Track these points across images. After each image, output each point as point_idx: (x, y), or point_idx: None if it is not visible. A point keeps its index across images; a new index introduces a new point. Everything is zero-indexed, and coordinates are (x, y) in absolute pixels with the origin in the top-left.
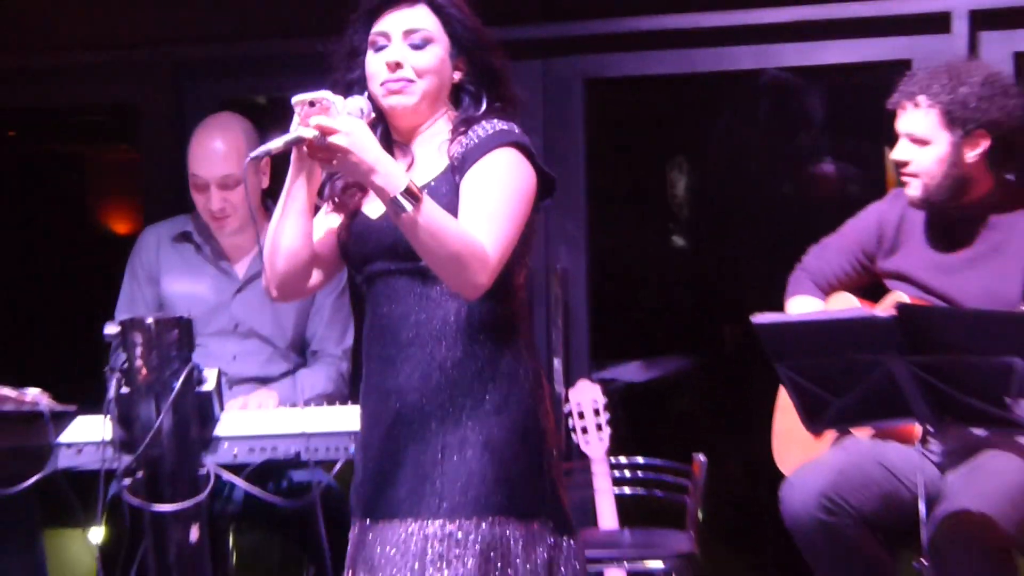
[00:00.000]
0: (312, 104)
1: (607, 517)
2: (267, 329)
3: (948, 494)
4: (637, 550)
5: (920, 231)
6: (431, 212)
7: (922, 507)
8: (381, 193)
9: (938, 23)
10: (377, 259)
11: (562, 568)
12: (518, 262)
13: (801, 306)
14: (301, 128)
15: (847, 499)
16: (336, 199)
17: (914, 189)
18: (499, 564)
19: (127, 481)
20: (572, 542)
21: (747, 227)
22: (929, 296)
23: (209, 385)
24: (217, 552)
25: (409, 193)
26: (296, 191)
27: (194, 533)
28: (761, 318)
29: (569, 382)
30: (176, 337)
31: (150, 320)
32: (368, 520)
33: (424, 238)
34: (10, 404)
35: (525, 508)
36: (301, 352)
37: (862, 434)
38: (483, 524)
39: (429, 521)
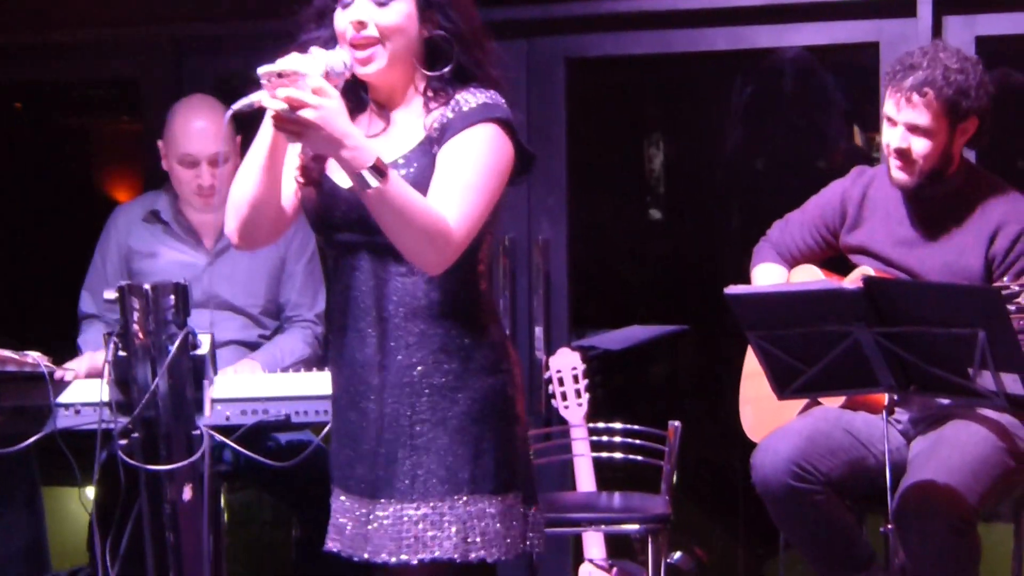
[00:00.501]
0: (280, 75)
1: (585, 481)
2: (240, 299)
3: (913, 464)
4: (614, 513)
5: (883, 207)
6: (397, 189)
7: (888, 475)
8: (347, 167)
9: (904, 7)
10: (345, 230)
11: (531, 537)
12: (483, 235)
13: (765, 274)
14: (268, 99)
15: (816, 466)
16: (307, 163)
17: (908, 174)
18: (478, 540)
19: (123, 442)
20: (537, 511)
21: (720, 201)
22: (892, 269)
23: (203, 349)
24: (209, 510)
25: (376, 169)
26: (266, 141)
27: (188, 492)
28: (733, 289)
29: (550, 350)
30: (172, 303)
31: (147, 286)
32: (346, 493)
33: (388, 215)
34: (11, 365)
35: (498, 483)
36: (275, 316)
37: (830, 402)
38: (458, 503)
39: (404, 504)
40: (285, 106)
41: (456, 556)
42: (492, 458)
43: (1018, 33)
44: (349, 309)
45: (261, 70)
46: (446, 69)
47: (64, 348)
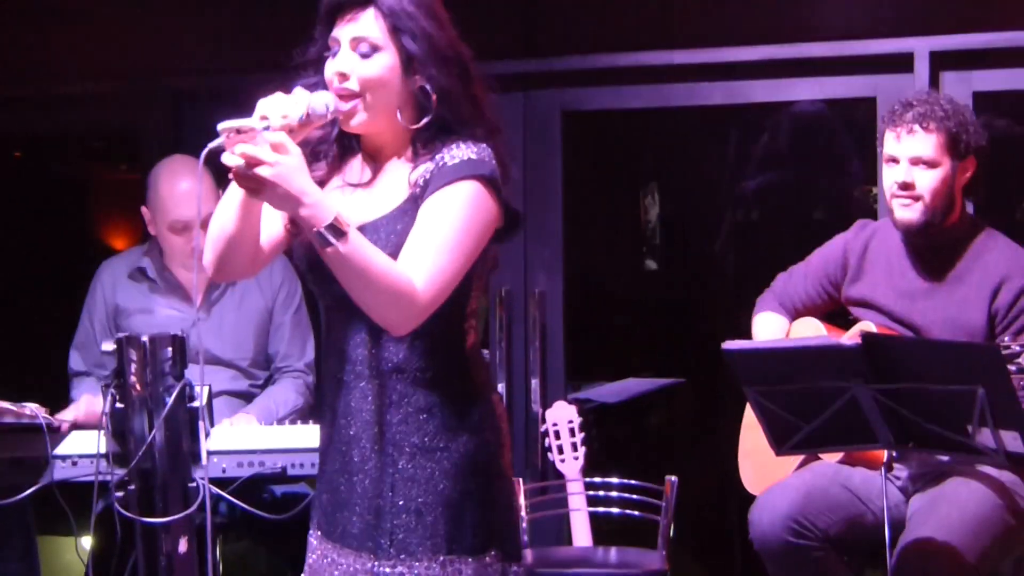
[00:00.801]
0: (239, 131)
1: (581, 535)
2: (228, 353)
3: (912, 521)
4: (611, 569)
5: (885, 259)
6: (357, 249)
7: (887, 532)
8: (305, 225)
9: (901, 63)
10: (333, 283)
11: None
12: (469, 293)
13: (766, 323)
14: (227, 156)
15: (814, 522)
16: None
17: (914, 212)
18: None
19: (120, 494)
20: (518, 567)
21: (716, 252)
22: (894, 323)
23: (200, 401)
24: (203, 563)
25: (335, 228)
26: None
27: (183, 544)
28: (731, 345)
29: (546, 403)
30: (169, 355)
31: (145, 338)
32: (326, 538)
33: (348, 274)
34: (9, 417)
35: (475, 544)
36: (264, 367)
37: (829, 457)
38: (434, 564)
39: (381, 561)
40: (242, 162)
41: None
42: (472, 518)
43: (1014, 89)
44: (339, 361)
45: (221, 126)
46: (423, 123)
47: (61, 400)
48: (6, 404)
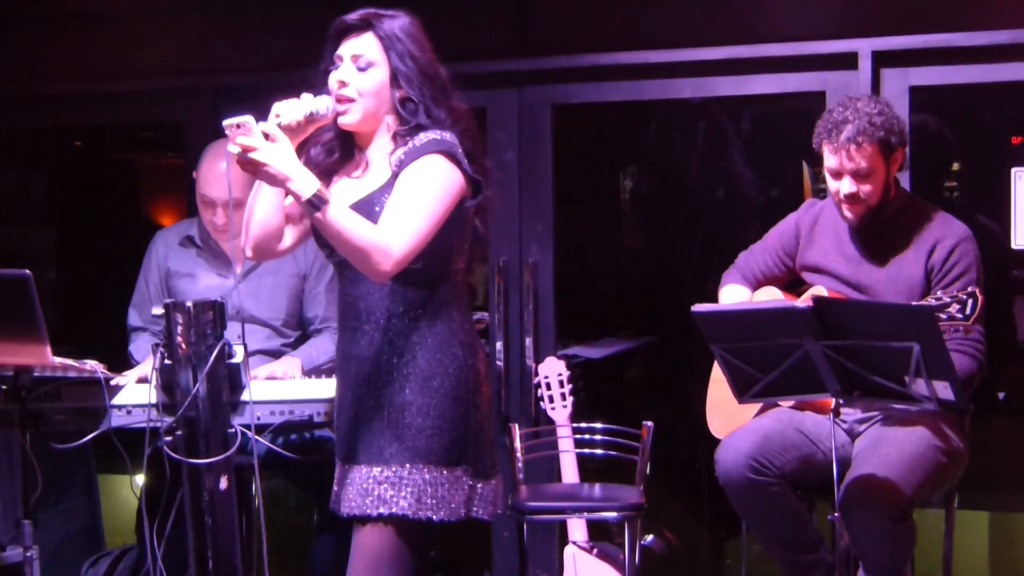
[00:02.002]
0: (238, 126)
1: (570, 473)
2: (264, 313)
3: (856, 460)
4: (595, 502)
5: (833, 230)
6: (337, 214)
7: (835, 469)
8: (296, 197)
9: (847, 61)
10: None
11: (476, 507)
12: (450, 251)
13: (731, 294)
14: (230, 146)
15: (771, 460)
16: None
17: (858, 212)
18: (429, 502)
19: (168, 438)
20: (489, 485)
21: (686, 227)
22: (843, 284)
23: (237, 358)
24: (242, 497)
25: (317, 198)
26: None
27: (223, 482)
28: (699, 308)
29: (538, 358)
30: (210, 318)
31: (189, 303)
32: (342, 463)
33: (332, 235)
34: (72, 372)
35: (449, 458)
36: (295, 328)
37: (784, 405)
38: (414, 470)
39: (374, 466)
40: (239, 150)
41: (408, 513)
42: (449, 438)
43: (947, 83)
44: (348, 311)
45: (225, 122)
46: (410, 126)
47: (116, 356)
48: (70, 361)
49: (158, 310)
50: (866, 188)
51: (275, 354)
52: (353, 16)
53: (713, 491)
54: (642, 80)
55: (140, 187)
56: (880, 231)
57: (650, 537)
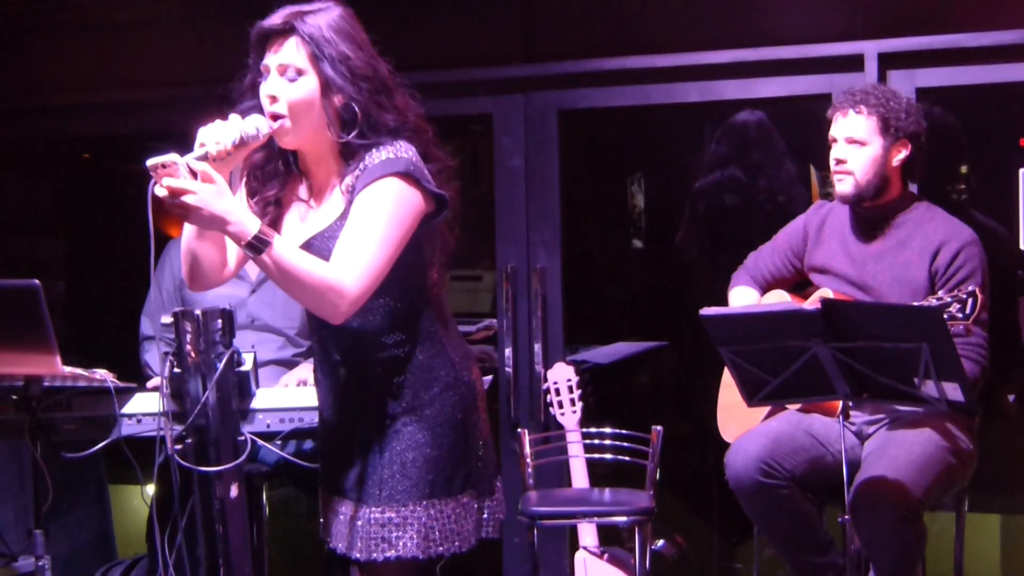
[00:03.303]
0: (164, 166)
1: (579, 479)
2: (279, 321)
3: (866, 462)
4: (605, 507)
5: (839, 232)
6: (283, 254)
7: (844, 471)
8: (235, 240)
9: (853, 63)
10: None
11: (485, 528)
12: (422, 267)
13: (740, 295)
14: (157, 188)
15: (781, 463)
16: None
17: (846, 185)
18: (437, 538)
19: (178, 446)
20: (494, 501)
21: (693, 232)
22: (848, 285)
23: (247, 366)
24: (252, 505)
25: (259, 239)
26: None
27: (234, 490)
28: (708, 311)
29: (547, 364)
30: (220, 326)
31: (198, 312)
32: (330, 494)
33: (278, 277)
34: (82, 381)
35: (453, 487)
36: (307, 336)
37: (793, 408)
38: (418, 508)
39: (372, 507)
40: (166, 193)
41: (419, 554)
42: (449, 466)
43: (953, 85)
44: (322, 346)
45: (148, 162)
46: (351, 136)
47: (126, 365)
48: (79, 370)
49: (167, 319)
50: (855, 157)
51: (288, 364)
52: (274, 20)
53: (723, 495)
54: (648, 84)
55: (148, 197)
56: (885, 229)
57: (661, 541)
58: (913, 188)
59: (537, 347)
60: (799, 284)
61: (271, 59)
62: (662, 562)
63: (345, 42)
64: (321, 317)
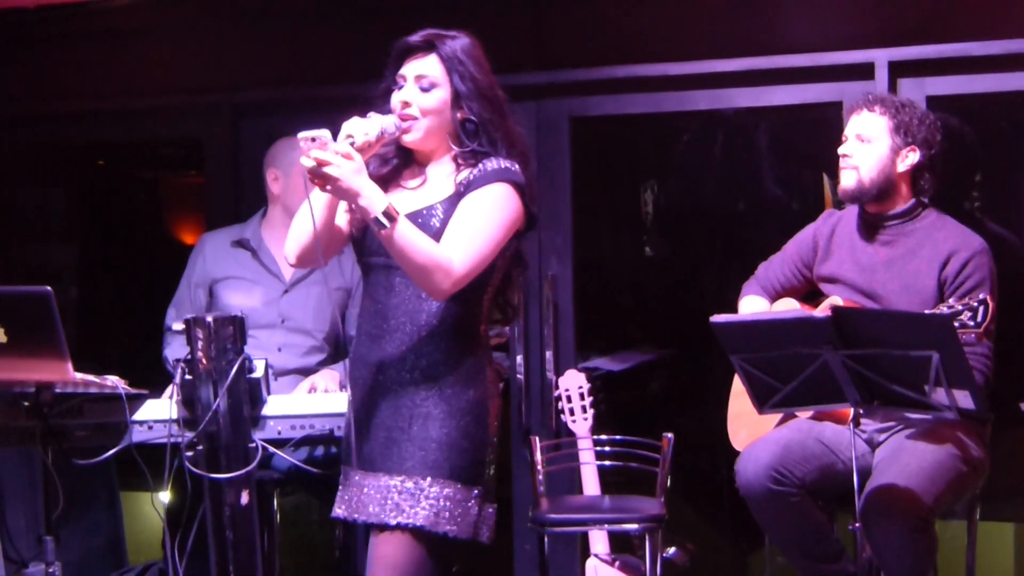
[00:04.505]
0: (313, 140)
1: (590, 486)
2: (310, 323)
3: (877, 469)
4: (616, 514)
5: (848, 241)
6: (404, 231)
7: (855, 479)
8: (365, 212)
9: (863, 71)
10: (379, 254)
11: (483, 530)
12: (490, 277)
13: (750, 305)
14: (303, 159)
15: (792, 471)
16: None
17: (849, 179)
18: (445, 517)
19: (189, 453)
20: (492, 510)
21: (706, 239)
22: (858, 294)
23: (258, 373)
24: (263, 512)
25: (387, 215)
26: None
27: (244, 497)
28: (718, 319)
29: (559, 371)
30: (231, 332)
31: (210, 318)
32: (350, 467)
33: (397, 250)
34: (94, 388)
35: (467, 476)
36: (332, 344)
37: (803, 415)
38: (434, 484)
39: (393, 475)
40: (314, 164)
41: (426, 525)
42: (467, 456)
43: (963, 93)
44: (372, 317)
45: (300, 135)
46: (471, 147)
47: (138, 371)
48: (91, 377)
49: (178, 326)
50: (861, 153)
51: (309, 373)
52: (416, 37)
53: (734, 502)
54: (659, 92)
55: (161, 204)
56: (894, 238)
57: (672, 549)
58: (923, 199)
59: (549, 354)
60: (809, 293)
61: (409, 69)
62: (673, 570)
63: (474, 66)
64: (425, 291)
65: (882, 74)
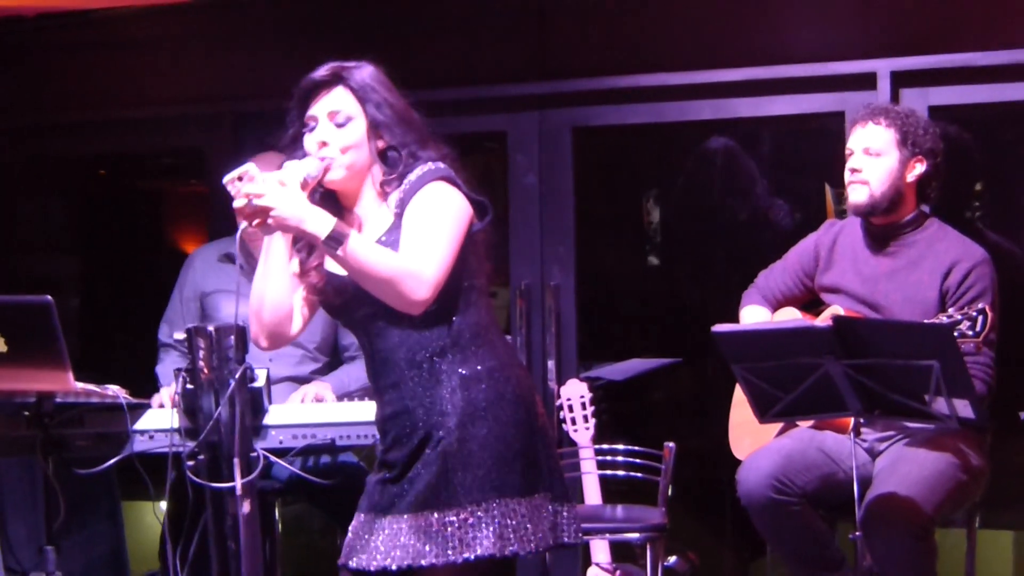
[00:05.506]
0: (240, 179)
1: (592, 495)
2: (300, 335)
3: (877, 478)
4: (618, 523)
5: (850, 251)
6: (359, 246)
7: (856, 488)
8: (314, 239)
9: (866, 81)
10: (358, 308)
11: (564, 531)
12: (470, 277)
13: (751, 315)
14: (236, 202)
15: (793, 480)
16: (303, 262)
17: (861, 195)
18: (512, 537)
19: (191, 463)
20: (571, 509)
21: (709, 248)
22: (860, 304)
23: (259, 382)
24: (265, 522)
25: (337, 233)
26: (274, 247)
27: (246, 507)
28: (720, 328)
29: (560, 380)
30: (232, 342)
31: (211, 328)
32: (374, 513)
33: (357, 269)
34: (95, 397)
35: (525, 486)
36: (326, 353)
37: (804, 424)
38: (492, 507)
39: (447, 511)
40: (246, 202)
41: (495, 552)
42: (518, 467)
43: (965, 103)
44: (380, 371)
45: (225, 179)
46: (395, 175)
47: (139, 381)
48: (92, 387)
49: (180, 335)
50: (871, 168)
51: (304, 381)
52: (320, 72)
53: (736, 512)
54: (661, 102)
55: (163, 215)
56: (896, 248)
57: (673, 558)
58: (925, 208)
59: (550, 363)
60: (810, 302)
61: (319, 108)
62: None
63: (387, 91)
64: (399, 307)
65: (884, 84)
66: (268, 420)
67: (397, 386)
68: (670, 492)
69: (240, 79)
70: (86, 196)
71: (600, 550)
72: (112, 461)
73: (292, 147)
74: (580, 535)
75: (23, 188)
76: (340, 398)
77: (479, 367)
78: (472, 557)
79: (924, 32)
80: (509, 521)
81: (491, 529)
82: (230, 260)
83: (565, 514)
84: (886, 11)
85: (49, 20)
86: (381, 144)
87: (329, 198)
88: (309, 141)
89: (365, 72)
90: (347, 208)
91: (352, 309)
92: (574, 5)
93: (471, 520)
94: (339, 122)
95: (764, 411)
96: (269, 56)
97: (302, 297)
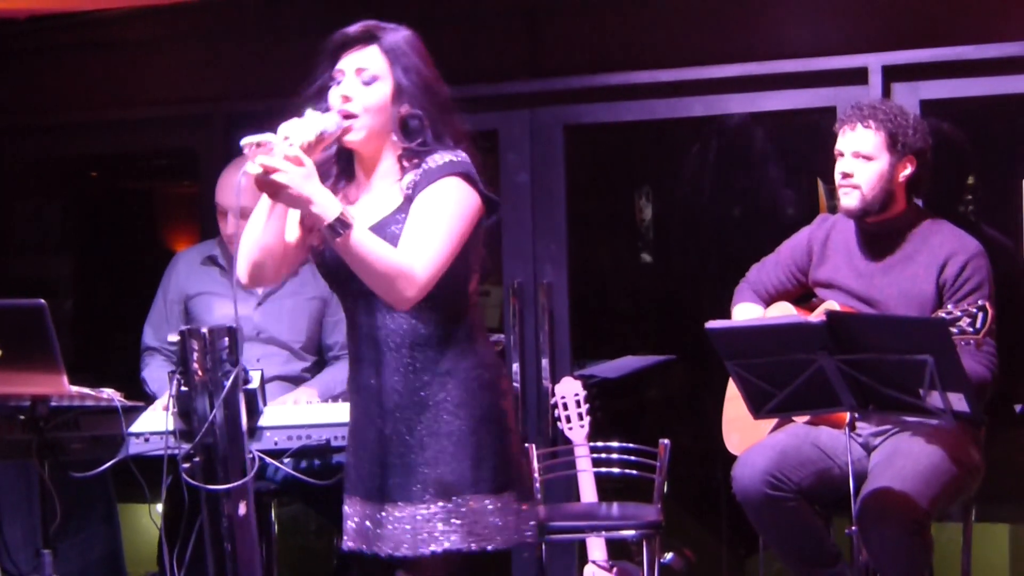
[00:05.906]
0: (259, 145)
1: (588, 493)
2: (284, 335)
3: (872, 473)
4: (613, 521)
5: (844, 246)
6: (360, 238)
7: (851, 483)
8: (317, 220)
9: (857, 76)
10: (351, 280)
11: (528, 530)
12: (468, 273)
13: (744, 311)
14: (249, 165)
15: (788, 476)
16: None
17: (852, 199)
18: (482, 532)
19: (186, 465)
20: (529, 507)
21: (701, 245)
22: (854, 299)
23: (254, 384)
24: (261, 523)
25: (340, 222)
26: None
27: (242, 508)
28: (713, 325)
29: (555, 379)
30: (226, 344)
31: (205, 330)
32: (360, 499)
33: (354, 260)
34: (89, 400)
35: (495, 484)
36: (313, 352)
37: (799, 420)
38: (462, 503)
39: (418, 504)
40: (261, 171)
41: (463, 546)
42: (488, 464)
43: (956, 97)
44: (360, 344)
45: (243, 141)
46: (416, 142)
47: (134, 384)
48: (87, 389)
49: (173, 337)
50: (862, 172)
51: (294, 379)
52: (355, 28)
53: (731, 508)
54: (653, 99)
55: (156, 215)
56: (891, 243)
57: (669, 555)
58: (918, 202)
59: (545, 362)
60: (803, 297)
61: (348, 63)
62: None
63: (418, 58)
64: (388, 301)
65: (876, 79)
66: (263, 422)
67: (374, 364)
68: (665, 489)
69: (231, 79)
70: (78, 197)
71: (596, 548)
72: (108, 464)
73: (317, 98)
74: (535, 533)
75: (15, 190)
76: (326, 402)
77: (459, 363)
78: (441, 551)
79: (915, 26)
80: (480, 518)
81: (460, 523)
82: (213, 263)
83: (529, 513)
84: (876, 6)
85: (40, 22)
86: (404, 110)
87: (346, 159)
88: (333, 94)
89: (400, 35)
90: (362, 169)
91: (344, 279)
92: (565, 3)
93: (441, 514)
94: (365, 80)
95: (759, 407)
96: (261, 57)
97: (292, 246)
